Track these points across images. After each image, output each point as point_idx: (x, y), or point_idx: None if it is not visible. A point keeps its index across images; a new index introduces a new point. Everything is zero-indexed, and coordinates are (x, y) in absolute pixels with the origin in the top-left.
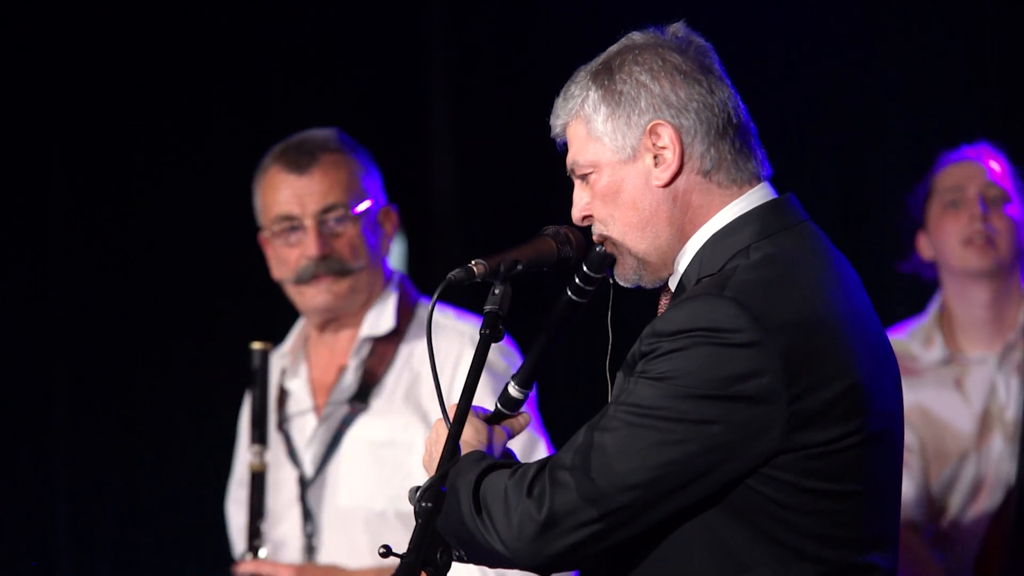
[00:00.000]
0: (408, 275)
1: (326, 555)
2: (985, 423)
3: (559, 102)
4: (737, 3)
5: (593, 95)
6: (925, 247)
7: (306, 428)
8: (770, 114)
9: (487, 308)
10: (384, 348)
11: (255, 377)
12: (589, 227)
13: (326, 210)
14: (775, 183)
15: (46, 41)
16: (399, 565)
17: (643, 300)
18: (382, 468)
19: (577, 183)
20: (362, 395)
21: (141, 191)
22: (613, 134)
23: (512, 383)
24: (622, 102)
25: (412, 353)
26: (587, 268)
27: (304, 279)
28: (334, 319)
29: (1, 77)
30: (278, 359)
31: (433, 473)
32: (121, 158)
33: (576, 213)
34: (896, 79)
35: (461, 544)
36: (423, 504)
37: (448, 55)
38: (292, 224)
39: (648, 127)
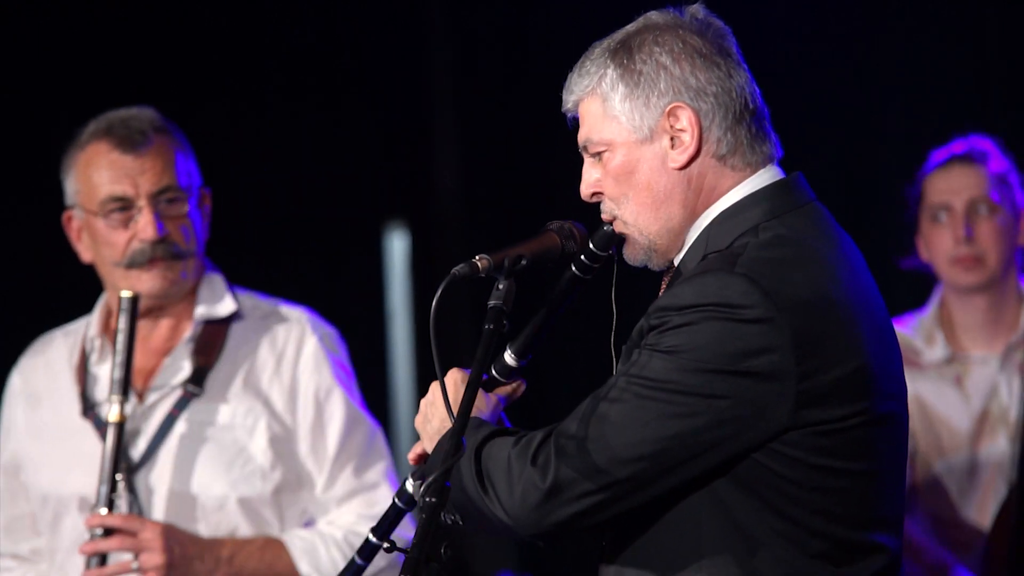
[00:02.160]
0: (413, 270)
1: None
2: (985, 423)
3: (573, 78)
4: None
5: (611, 73)
6: (922, 248)
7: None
8: (773, 105)
9: (491, 303)
10: (215, 332)
11: (128, 325)
12: (592, 223)
13: (160, 192)
14: (787, 165)
15: (50, 37)
16: (404, 560)
17: (647, 276)
18: (222, 452)
19: (587, 160)
20: (197, 379)
21: None
22: (631, 113)
23: (508, 351)
24: (641, 82)
25: (245, 337)
26: (593, 246)
27: (139, 263)
28: (160, 305)
29: (4, 76)
30: (69, 342)
31: (423, 434)
32: None
33: (585, 190)
34: (898, 71)
35: (460, 511)
36: (427, 499)
37: (451, 53)
38: (123, 205)
39: (667, 109)
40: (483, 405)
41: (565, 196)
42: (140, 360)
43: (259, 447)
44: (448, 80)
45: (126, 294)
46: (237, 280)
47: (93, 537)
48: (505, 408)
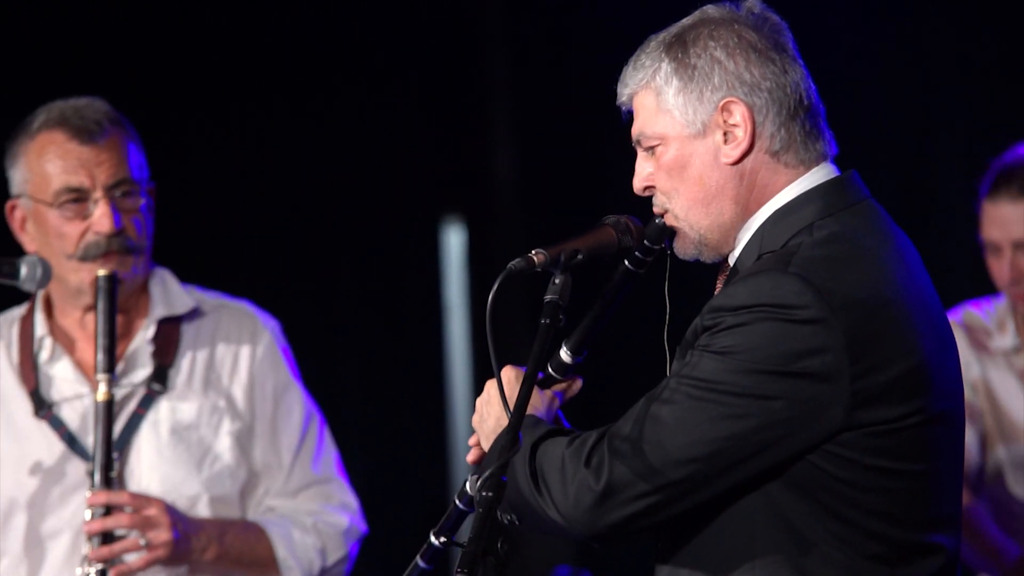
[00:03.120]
0: (470, 265)
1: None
2: None
3: (628, 71)
4: None
5: (666, 67)
6: None
7: (86, 413)
8: (833, 95)
9: (548, 298)
10: (170, 329)
11: (107, 304)
12: (647, 216)
13: (116, 184)
14: (841, 162)
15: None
16: (461, 555)
17: (701, 272)
18: (190, 451)
19: (641, 153)
20: (160, 377)
21: (185, 189)
22: (684, 108)
23: (564, 348)
24: (695, 76)
25: (199, 332)
26: (645, 239)
27: (93, 256)
28: None
29: (10, 73)
30: (3, 341)
31: (480, 433)
32: (172, 156)
33: (638, 183)
34: (956, 62)
35: (515, 511)
36: (483, 493)
37: (508, 46)
38: (78, 196)
39: (720, 104)
40: (539, 403)
41: (621, 190)
42: (92, 357)
43: (224, 445)
44: (505, 74)
45: (102, 272)
46: (298, 276)
47: (94, 516)
48: (562, 405)
